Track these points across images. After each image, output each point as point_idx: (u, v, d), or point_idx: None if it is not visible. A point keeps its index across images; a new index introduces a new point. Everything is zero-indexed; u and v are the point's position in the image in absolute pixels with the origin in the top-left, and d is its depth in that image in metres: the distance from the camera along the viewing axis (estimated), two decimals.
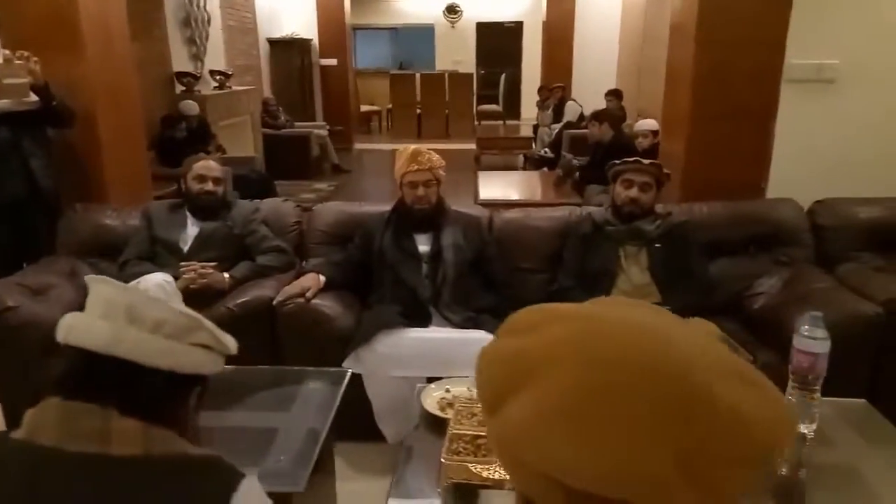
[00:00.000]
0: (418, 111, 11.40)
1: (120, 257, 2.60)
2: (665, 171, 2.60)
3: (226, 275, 2.52)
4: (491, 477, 1.45)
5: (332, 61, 9.70)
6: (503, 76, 12.37)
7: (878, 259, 2.72)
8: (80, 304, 2.15)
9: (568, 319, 0.63)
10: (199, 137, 5.45)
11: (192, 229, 2.64)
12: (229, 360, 2.23)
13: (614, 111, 5.63)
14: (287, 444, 1.62)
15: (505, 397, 0.56)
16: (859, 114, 3.14)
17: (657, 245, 2.55)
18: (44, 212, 2.85)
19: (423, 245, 2.54)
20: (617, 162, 2.63)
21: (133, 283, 2.30)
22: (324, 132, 8.22)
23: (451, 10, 13.63)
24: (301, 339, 2.33)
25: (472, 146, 8.85)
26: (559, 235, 2.76)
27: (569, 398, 0.53)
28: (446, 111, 11.36)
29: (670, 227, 2.58)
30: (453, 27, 13.81)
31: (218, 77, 6.58)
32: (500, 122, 11.76)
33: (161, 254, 2.58)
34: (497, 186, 5.05)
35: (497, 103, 12.41)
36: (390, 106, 11.88)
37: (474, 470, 1.45)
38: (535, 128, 8.92)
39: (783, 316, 2.40)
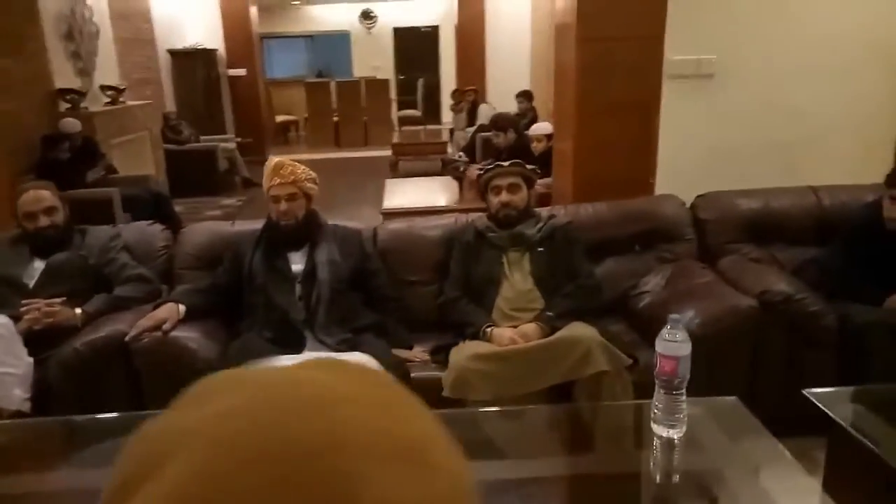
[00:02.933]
0: (335, 119, 11.19)
1: None
2: (530, 167, 2.56)
3: (77, 310, 2.30)
4: None
5: (241, 71, 9.39)
6: (420, 81, 12.30)
7: (757, 250, 2.75)
8: None
9: (240, 389, 0.50)
10: (85, 157, 5.11)
11: (38, 263, 2.40)
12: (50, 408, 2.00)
13: (511, 115, 5.60)
14: None
15: (130, 488, 0.42)
16: (738, 107, 3.19)
17: (540, 249, 2.48)
18: None
19: (297, 264, 2.39)
20: (480, 171, 2.56)
21: None
22: (231, 145, 7.93)
23: (367, 16, 13.47)
24: (161, 376, 2.13)
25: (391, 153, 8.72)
26: (445, 245, 2.66)
27: (183, 491, 0.40)
28: (364, 118, 11.19)
29: (553, 230, 2.52)
30: (370, 33, 13.65)
31: (109, 92, 6.21)
32: (421, 128, 11.69)
33: (5, 292, 2.33)
34: (406, 194, 4.93)
35: (416, 108, 12.34)
36: (307, 115, 11.62)
37: None
38: (452, 132, 8.87)
39: (664, 314, 2.36)
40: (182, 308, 2.24)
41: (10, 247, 2.43)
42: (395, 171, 8.26)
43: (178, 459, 0.42)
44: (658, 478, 1.60)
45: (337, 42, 13.81)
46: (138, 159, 6.53)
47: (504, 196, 2.50)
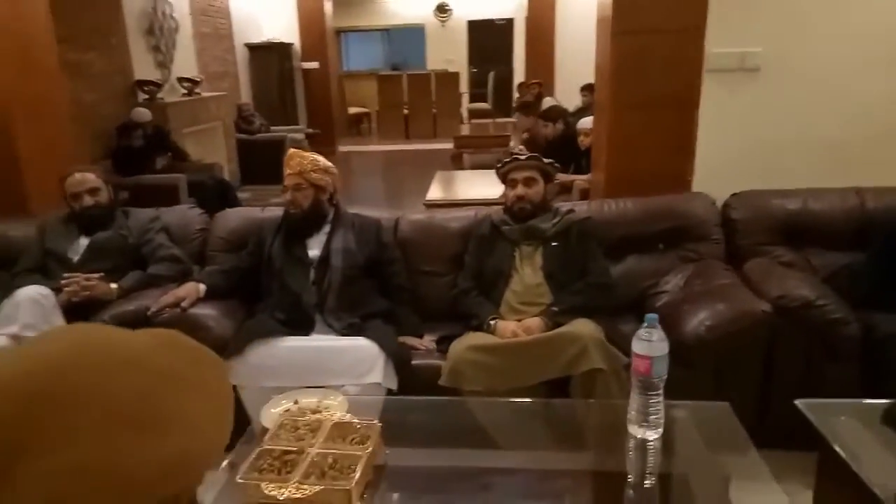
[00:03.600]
0: (405, 112, 11.35)
1: (14, 269, 2.58)
2: (548, 161, 2.54)
3: (114, 285, 2.49)
4: (289, 496, 1.39)
5: (314, 64, 9.69)
6: (491, 74, 12.27)
7: (790, 254, 2.62)
8: None
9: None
10: (157, 144, 5.46)
11: (83, 240, 2.61)
12: None
13: (561, 108, 5.53)
14: None
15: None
16: (786, 103, 3.02)
17: (554, 244, 2.47)
18: None
19: (314, 250, 2.49)
20: (499, 165, 2.57)
21: (7, 298, 2.28)
22: (300, 135, 8.21)
23: (441, 10, 13.55)
24: None
25: None
26: (463, 237, 2.69)
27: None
28: (433, 110, 11.30)
29: (568, 225, 2.50)
30: (444, 26, 13.73)
31: (185, 84, 6.59)
32: (490, 121, 11.69)
33: (51, 265, 2.56)
34: (452, 187, 4.98)
35: (487, 101, 12.33)
36: (378, 107, 11.86)
37: (267, 490, 1.39)
38: (516, 125, 8.82)
39: (677, 315, 2.31)
40: (202, 287, 2.39)
41: (62, 225, 2.66)
42: (458, 164, 8.31)
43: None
44: (627, 478, 1.58)
45: (412, 35, 13.99)
46: (211, 148, 6.89)
47: (519, 189, 2.50)
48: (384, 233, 2.63)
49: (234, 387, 2.15)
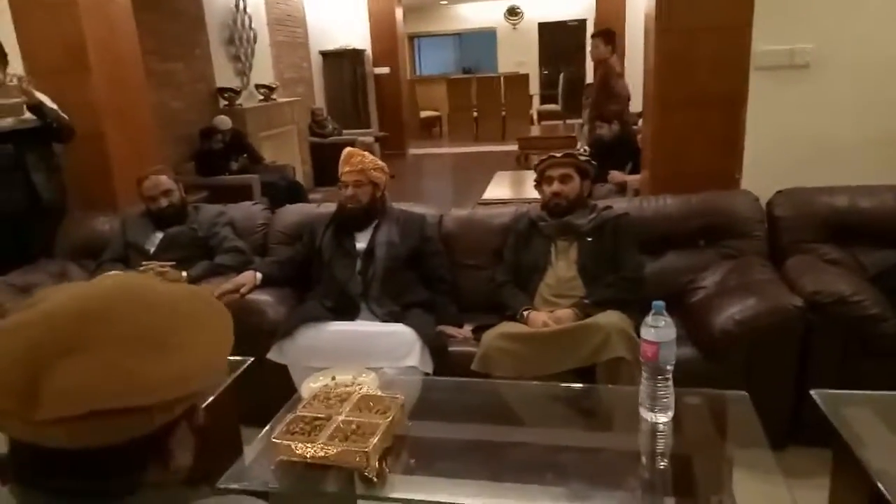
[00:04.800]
0: (475, 114, 11.52)
1: (99, 258, 2.90)
2: (584, 158, 2.61)
3: (184, 273, 2.75)
4: (313, 454, 1.56)
5: (385, 70, 10.00)
6: (562, 75, 12.23)
7: (836, 251, 2.58)
8: None
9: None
10: (235, 148, 5.84)
11: (158, 234, 2.90)
12: None
13: (616, 108, 5.49)
14: None
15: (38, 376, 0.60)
16: (838, 100, 2.96)
17: (588, 239, 2.54)
18: (44, 221, 3.19)
19: (361, 243, 2.67)
20: (536, 164, 2.66)
21: None
22: (370, 139, 8.51)
23: (512, 13, 13.65)
24: (237, 331, 2.50)
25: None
26: (503, 233, 2.80)
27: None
28: (503, 113, 11.41)
29: (604, 221, 2.57)
30: (515, 29, 13.82)
31: (262, 90, 6.99)
32: (560, 122, 11.69)
33: (131, 256, 2.86)
34: (508, 186, 5.09)
35: (557, 103, 12.31)
36: (449, 110, 12.08)
37: (297, 449, 1.56)
38: (582, 126, 8.80)
39: (708, 309, 2.35)
40: (259, 276, 2.62)
41: (140, 219, 2.97)
42: (525, 165, 8.38)
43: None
44: (635, 460, 1.66)
45: (483, 39, 14.15)
46: (285, 150, 7.27)
47: (555, 186, 2.59)
48: (428, 227, 2.78)
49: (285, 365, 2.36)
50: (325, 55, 9.19)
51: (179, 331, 0.66)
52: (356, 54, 9.57)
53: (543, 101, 13.17)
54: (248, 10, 6.88)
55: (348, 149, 2.72)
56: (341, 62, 9.33)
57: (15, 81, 2.99)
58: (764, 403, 2.07)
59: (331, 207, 2.95)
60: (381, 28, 9.98)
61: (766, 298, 2.21)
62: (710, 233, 2.72)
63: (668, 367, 1.66)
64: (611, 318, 2.19)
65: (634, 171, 4.48)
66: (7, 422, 0.61)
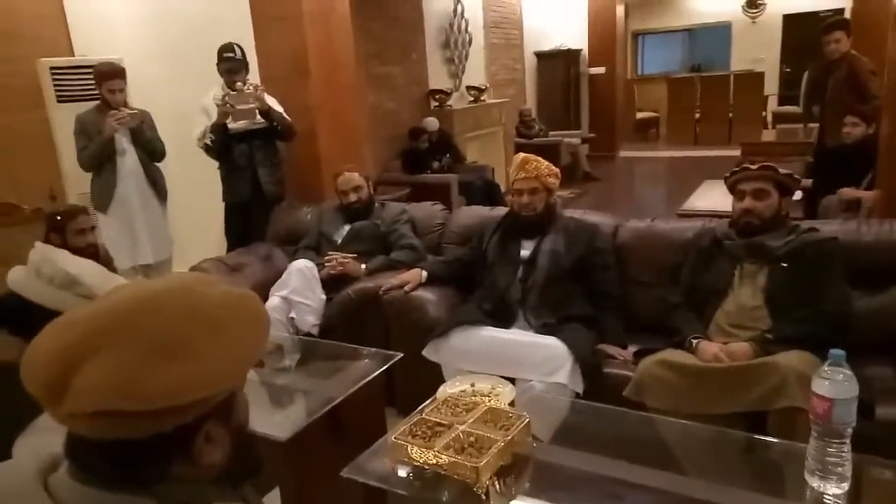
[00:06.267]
0: (697, 116, 10.71)
1: (297, 245, 3.22)
2: (787, 172, 2.25)
3: (363, 266, 2.94)
4: (426, 461, 1.56)
5: (600, 70, 9.73)
6: (805, 74, 10.83)
7: None
8: (265, 280, 2.80)
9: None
10: (439, 148, 6.10)
11: (346, 226, 3.14)
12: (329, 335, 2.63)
13: (878, 105, 4.63)
14: (302, 403, 1.93)
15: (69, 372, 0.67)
16: None
17: (783, 265, 2.21)
18: (265, 210, 3.64)
19: (526, 250, 2.62)
20: (727, 175, 2.36)
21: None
22: (576, 140, 8.35)
23: (752, 4, 12.39)
24: (398, 323, 2.63)
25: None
26: (684, 249, 2.55)
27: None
28: (729, 115, 10.46)
29: (804, 245, 2.21)
30: (754, 23, 12.54)
31: (472, 92, 7.22)
32: (800, 126, 10.37)
33: (322, 244, 3.13)
34: (716, 196, 4.64)
35: (797, 104, 10.94)
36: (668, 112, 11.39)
37: (412, 453, 1.57)
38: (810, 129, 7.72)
39: None
40: (424, 274, 2.70)
41: (333, 212, 3.23)
42: None
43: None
44: None
45: (716, 34, 13.06)
46: (490, 151, 7.43)
47: (747, 202, 2.28)
48: (599, 238, 2.64)
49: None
50: (540, 56, 9.21)
51: (199, 339, 0.69)
52: (571, 54, 9.44)
53: (782, 102, 11.78)
54: (465, 14, 7.14)
55: (522, 154, 2.68)
56: (555, 63, 9.27)
57: (251, 89, 3.43)
58: None
59: (502, 211, 2.94)
60: (600, 27, 9.73)
61: None
62: None
63: (845, 430, 1.38)
64: (792, 360, 1.87)
65: (873, 186, 3.80)
66: (46, 409, 0.68)
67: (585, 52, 9.83)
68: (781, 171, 2.30)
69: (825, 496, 1.41)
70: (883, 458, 1.53)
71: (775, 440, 1.72)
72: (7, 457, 0.84)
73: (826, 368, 1.40)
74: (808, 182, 4.16)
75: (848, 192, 3.80)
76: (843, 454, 1.39)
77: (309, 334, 2.75)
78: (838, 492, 1.40)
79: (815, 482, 1.43)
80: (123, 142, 3.49)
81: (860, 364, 2.02)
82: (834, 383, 1.37)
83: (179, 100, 4.07)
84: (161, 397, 0.65)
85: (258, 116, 3.51)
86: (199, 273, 2.66)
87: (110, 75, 3.40)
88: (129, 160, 3.51)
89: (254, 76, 3.88)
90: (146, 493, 0.68)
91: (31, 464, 0.71)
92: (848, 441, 1.39)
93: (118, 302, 0.70)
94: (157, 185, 3.64)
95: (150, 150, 3.57)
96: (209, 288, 0.77)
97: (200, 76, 3.84)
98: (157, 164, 3.66)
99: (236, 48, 3.57)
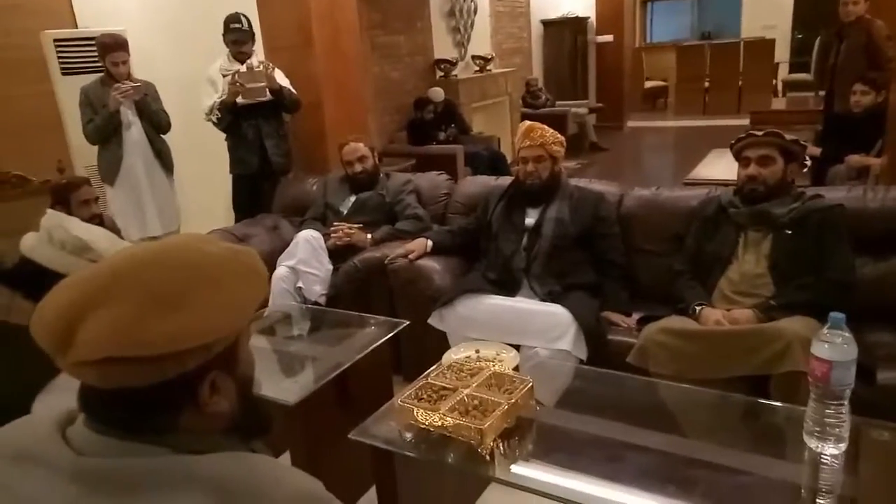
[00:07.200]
0: (706, 85, 10.57)
1: (304, 216, 3.24)
2: (793, 138, 2.23)
3: (369, 236, 2.96)
4: (431, 423, 1.60)
5: (608, 38, 9.59)
6: (818, 40, 10.65)
7: None
8: (272, 251, 2.83)
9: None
10: (445, 118, 6.07)
11: (352, 197, 3.15)
12: (337, 304, 2.66)
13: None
14: (310, 370, 1.97)
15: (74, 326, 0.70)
16: None
17: (787, 232, 2.21)
18: (272, 181, 3.65)
19: (531, 218, 2.63)
20: (733, 142, 2.35)
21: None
22: (583, 110, 8.27)
23: None
24: (404, 292, 2.66)
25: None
26: (689, 217, 2.56)
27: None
28: (739, 83, 10.31)
29: (809, 212, 2.21)
30: None
31: (478, 61, 7.14)
32: (811, 94, 10.23)
33: (328, 215, 3.15)
34: (723, 165, 4.61)
35: (809, 71, 10.78)
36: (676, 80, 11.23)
37: (417, 415, 1.61)
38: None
39: None
40: (429, 243, 2.72)
41: (338, 183, 3.24)
42: None
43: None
44: (782, 491, 1.43)
45: (727, 1, 12.83)
46: (497, 121, 7.39)
47: (752, 169, 2.28)
48: (604, 207, 2.64)
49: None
50: (546, 24, 9.08)
51: (195, 290, 0.71)
52: (578, 22, 9.30)
53: (794, 70, 11.60)
54: None
55: (527, 122, 2.67)
56: (562, 31, 9.14)
57: (261, 68, 3.42)
58: None
59: (508, 180, 2.94)
60: None
61: None
62: None
63: (843, 392, 1.40)
64: (795, 325, 1.89)
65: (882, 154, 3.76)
66: (56, 361, 0.71)
67: (593, 19, 9.68)
68: (788, 136, 2.29)
69: (822, 456, 1.43)
70: (883, 421, 1.56)
71: (777, 404, 1.74)
72: (27, 413, 0.88)
73: (825, 331, 1.41)
74: (817, 150, 4.12)
75: (856, 160, 3.78)
76: (841, 415, 1.41)
77: (316, 303, 2.78)
78: (836, 452, 1.43)
79: (813, 443, 1.45)
80: (129, 114, 3.49)
81: (862, 330, 2.04)
82: (833, 346, 1.39)
83: (184, 71, 4.06)
84: (161, 343, 0.68)
85: (268, 95, 3.49)
86: (198, 233, 2.70)
87: (113, 47, 3.39)
88: (134, 132, 3.52)
89: (258, 46, 3.86)
90: (159, 443, 0.71)
91: (50, 418, 0.74)
92: (846, 403, 1.41)
93: (118, 261, 0.72)
94: (164, 157, 3.66)
95: (156, 123, 3.57)
96: (207, 245, 0.79)
97: (205, 46, 3.83)
98: (163, 136, 3.67)
99: (243, 18, 3.56)
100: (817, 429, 1.44)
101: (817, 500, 1.41)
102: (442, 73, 6.58)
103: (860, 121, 3.97)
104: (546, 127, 2.66)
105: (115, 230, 2.56)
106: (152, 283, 0.70)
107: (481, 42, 7.40)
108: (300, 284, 2.80)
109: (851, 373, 1.39)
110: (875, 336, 2.11)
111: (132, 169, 3.53)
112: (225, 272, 0.75)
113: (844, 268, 2.14)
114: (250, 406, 0.82)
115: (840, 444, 1.43)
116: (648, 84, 11.85)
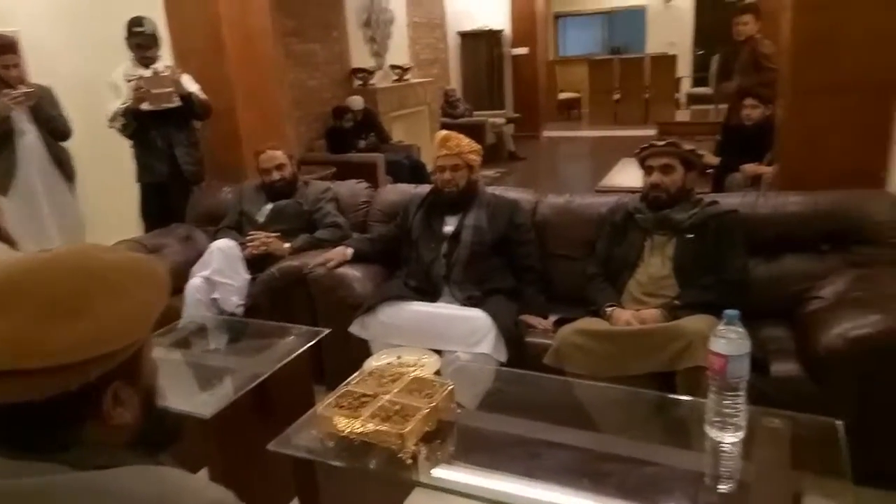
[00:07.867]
0: (616, 97, 11.06)
1: (218, 226, 3.14)
2: (690, 148, 2.39)
3: (287, 245, 2.91)
4: (352, 430, 1.59)
5: (523, 50, 9.86)
6: (715, 57, 11.35)
7: None
8: (186, 262, 2.71)
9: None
10: (364, 127, 6.05)
11: (269, 205, 3.09)
12: (255, 314, 2.58)
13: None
14: (227, 381, 1.92)
15: None
16: None
17: (689, 236, 2.35)
18: (184, 190, 3.52)
19: (450, 226, 2.67)
20: (636, 151, 2.48)
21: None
22: (500, 120, 8.46)
23: None
24: (325, 301, 2.64)
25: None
26: (600, 223, 2.67)
27: None
28: (646, 96, 10.85)
29: (707, 217, 2.36)
30: (668, 5, 13.01)
31: (396, 71, 7.17)
32: (711, 107, 10.89)
33: (244, 224, 3.07)
34: (630, 174, 4.84)
35: (709, 85, 11.48)
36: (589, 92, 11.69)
37: (338, 424, 1.60)
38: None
39: (820, 323, 2.09)
40: (349, 252, 2.71)
41: (254, 191, 3.17)
42: None
43: None
44: (686, 479, 1.52)
45: (633, 19, 13.48)
46: (416, 131, 7.43)
47: (655, 177, 2.41)
48: (519, 214, 2.71)
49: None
50: (463, 36, 9.23)
51: (95, 297, 0.69)
52: (494, 35, 9.52)
53: (696, 83, 12.33)
54: None
55: (444, 132, 2.72)
56: (478, 43, 9.33)
57: (168, 73, 3.29)
58: (874, 437, 1.83)
59: (427, 189, 2.97)
60: (522, 8, 9.84)
61: (891, 316, 1.92)
62: (836, 236, 2.41)
63: (738, 383, 1.50)
64: (697, 324, 2.01)
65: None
66: None
67: (508, 32, 9.93)
68: (686, 147, 2.44)
69: (721, 444, 1.53)
70: (776, 409, 1.68)
71: (682, 398, 1.85)
72: None
73: (721, 328, 1.51)
74: (716, 160, 4.41)
75: (751, 169, 4.06)
76: (738, 406, 1.52)
77: (233, 315, 2.71)
78: (734, 440, 1.53)
79: (713, 433, 1.55)
80: (23, 120, 3.29)
81: (757, 326, 2.20)
82: (728, 341, 1.49)
83: (88, 73, 3.86)
84: (60, 353, 0.65)
85: (175, 100, 3.37)
86: (95, 243, 2.59)
87: (2, 50, 3.19)
88: (28, 140, 3.32)
89: (166, 48, 3.73)
90: (58, 459, 0.68)
91: None
92: (743, 394, 1.52)
93: (9, 268, 0.70)
94: (63, 166, 3.46)
95: (52, 129, 3.38)
96: (105, 252, 0.77)
97: (107, 46, 3.65)
98: (63, 144, 3.47)
99: (146, 22, 3.42)
100: (717, 419, 1.54)
101: (718, 487, 1.51)
102: (360, 82, 6.56)
103: (752, 133, 4.28)
104: (462, 136, 2.71)
105: (12, 241, 2.40)
106: (47, 290, 0.68)
107: (399, 52, 7.44)
108: (216, 295, 2.71)
109: (746, 366, 1.49)
110: (768, 331, 2.28)
111: (28, 178, 3.33)
112: (125, 278, 0.74)
113: (740, 269, 2.29)
114: (155, 417, 0.80)
115: (738, 433, 1.53)
116: (562, 95, 12.26)
